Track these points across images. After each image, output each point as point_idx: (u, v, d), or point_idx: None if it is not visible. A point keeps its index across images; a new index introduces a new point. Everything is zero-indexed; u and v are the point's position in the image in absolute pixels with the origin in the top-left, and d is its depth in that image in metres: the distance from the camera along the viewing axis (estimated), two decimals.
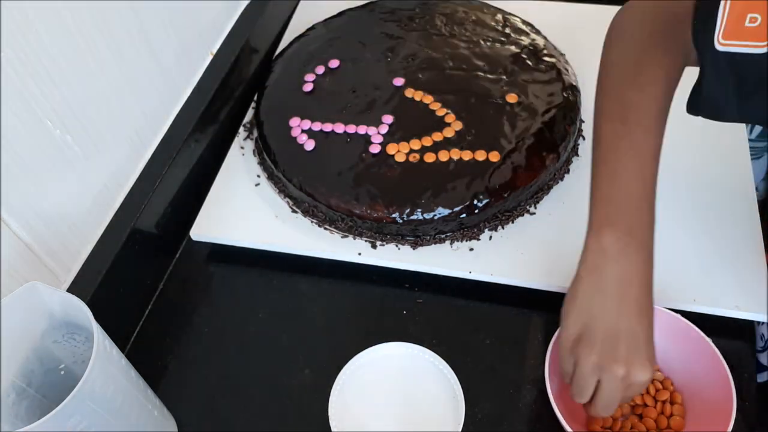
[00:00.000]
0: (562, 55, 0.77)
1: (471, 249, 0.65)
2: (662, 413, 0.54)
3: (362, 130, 0.70)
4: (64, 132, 0.56)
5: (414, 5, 0.83)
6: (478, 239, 0.65)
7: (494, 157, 0.66)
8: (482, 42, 0.78)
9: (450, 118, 0.70)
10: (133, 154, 0.66)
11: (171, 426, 0.57)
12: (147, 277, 0.67)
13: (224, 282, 0.68)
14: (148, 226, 0.65)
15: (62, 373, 0.52)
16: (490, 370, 0.59)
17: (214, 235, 0.68)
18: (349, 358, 0.55)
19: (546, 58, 0.75)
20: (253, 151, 0.75)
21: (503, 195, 0.64)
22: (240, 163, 0.74)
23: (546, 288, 0.62)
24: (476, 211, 0.64)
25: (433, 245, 0.65)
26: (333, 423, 0.52)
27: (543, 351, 0.53)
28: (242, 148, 0.76)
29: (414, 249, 0.65)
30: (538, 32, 0.79)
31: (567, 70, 0.75)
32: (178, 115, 0.71)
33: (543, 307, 0.62)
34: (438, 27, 0.80)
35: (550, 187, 0.69)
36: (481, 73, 0.74)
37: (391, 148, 0.68)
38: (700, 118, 0.73)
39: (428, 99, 0.72)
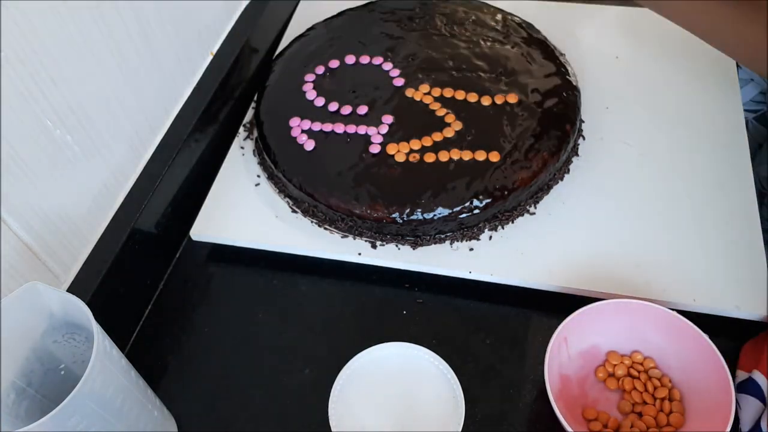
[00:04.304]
0: (562, 55, 0.77)
1: (471, 249, 0.65)
2: (661, 410, 0.54)
3: (362, 130, 0.70)
4: (64, 132, 0.56)
5: (414, 5, 0.83)
6: (478, 239, 0.65)
7: (494, 157, 0.66)
8: (482, 42, 0.78)
9: (450, 118, 0.70)
10: (133, 154, 0.66)
11: (171, 426, 0.57)
12: (147, 277, 0.67)
13: (224, 282, 0.68)
14: (148, 226, 0.65)
15: (62, 373, 0.52)
16: (490, 370, 0.59)
17: (214, 235, 0.68)
18: (349, 358, 0.55)
19: (546, 58, 0.75)
20: (253, 151, 0.75)
21: (503, 195, 0.64)
22: (240, 163, 0.74)
23: (546, 288, 0.62)
24: (476, 211, 0.64)
25: (433, 245, 0.65)
26: (333, 423, 0.52)
27: (543, 351, 0.53)
28: (242, 148, 0.76)
29: (414, 249, 0.65)
30: (538, 32, 0.79)
31: (567, 70, 0.75)
32: (178, 115, 0.71)
33: (543, 307, 0.62)
34: (438, 27, 0.80)
35: (550, 187, 0.69)
36: (481, 73, 0.74)
37: (391, 148, 0.68)
38: (698, 119, 0.74)
39: (428, 99, 0.72)
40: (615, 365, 0.57)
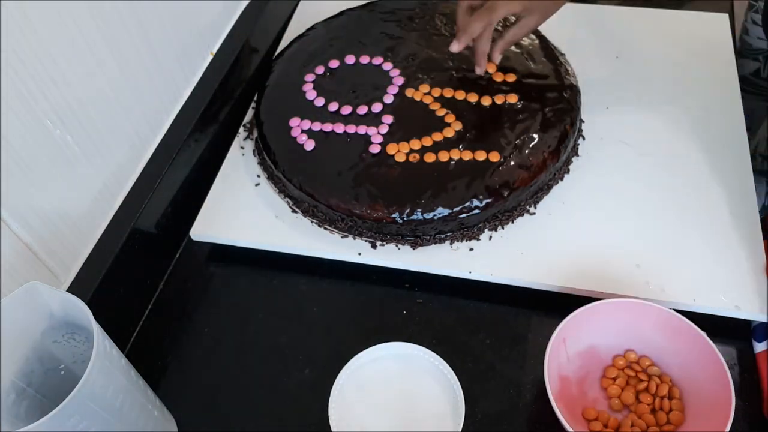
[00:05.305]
0: (562, 55, 0.77)
1: (471, 249, 0.65)
2: (661, 409, 0.54)
3: (362, 130, 0.70)
4: (64, 132, 0.56)
5: (414, 5, 0.83)
6: (478, 239, 0.65)
7: (494, 157, 0.66)
8: None
9: (450, 118, 0.70)
10: (133, 154, 0.66)
11: (171, 426, 0.57)
12: (147, 277, 0.67)
13: (224, 282, 0.68)
14: (148, 226, 0.65)
15: (62, 373, 0.52)
16: (490, 370, 0.59)
17: (214, 235, 0.68)
18: (349, 358, 0.55)
19: (546, 58, 0.75)
20: (253, 151, 0.75)
21: (503, 195, 0.64)
22: (240, 163, 0.74)
23: (546, 288, 0.62)
24: (476, 211, 0.64)
25: (433, 245, 0.65)
26: (333, 423, 0.52)
27: (543, 351, 0.53)
28: (242, 148, 0.76)
29: (414, 249, 0.65)
30: (537, 32, 0.79)
31: (567, 70, 0.75)
32: (178, 115, 0.71)
33: (543, 307, 0.62)
34: (438, 27, 0.80)
35: (550, 187, 0.69)
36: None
37: (391, 148, 0.68)
38: (698, 119, 0.73)
39: (428, 99, 0.72)
40: (615, 375, 0.57)
